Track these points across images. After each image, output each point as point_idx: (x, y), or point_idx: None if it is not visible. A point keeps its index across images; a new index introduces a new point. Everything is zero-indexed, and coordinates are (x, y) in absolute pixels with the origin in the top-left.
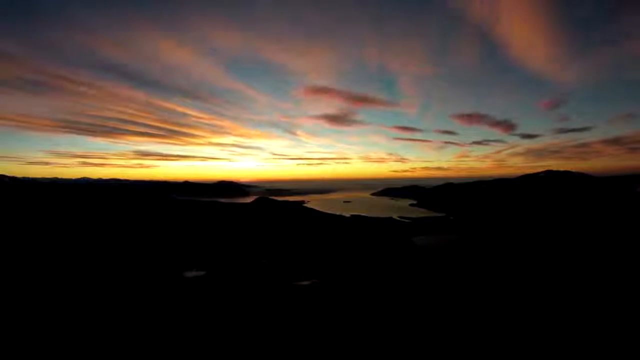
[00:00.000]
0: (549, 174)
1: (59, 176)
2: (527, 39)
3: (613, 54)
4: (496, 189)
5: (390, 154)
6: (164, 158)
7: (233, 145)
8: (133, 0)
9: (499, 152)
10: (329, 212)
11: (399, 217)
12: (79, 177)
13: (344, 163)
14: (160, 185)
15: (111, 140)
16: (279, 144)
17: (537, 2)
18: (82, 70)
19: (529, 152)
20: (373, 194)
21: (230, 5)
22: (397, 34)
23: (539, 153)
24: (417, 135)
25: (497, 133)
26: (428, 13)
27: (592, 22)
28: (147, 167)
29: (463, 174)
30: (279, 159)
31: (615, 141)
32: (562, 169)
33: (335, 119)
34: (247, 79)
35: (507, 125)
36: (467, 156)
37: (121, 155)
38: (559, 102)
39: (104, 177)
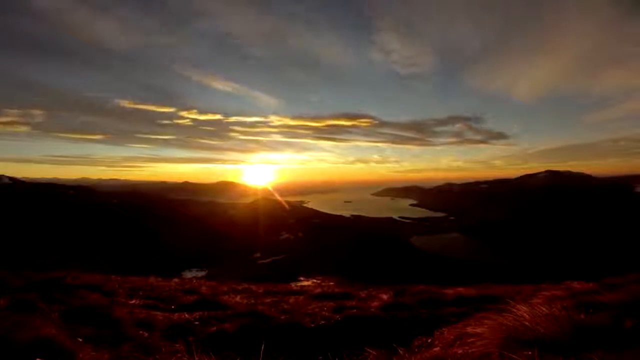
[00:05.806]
0: (549, 173)
1: (59, 177)
2: None
3: None
4: (496, 189)
5: (390, 156)
6: (164, 159)
7: (234, 147)
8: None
9: (496, 153)
10: (329, 212)
11: (399, 217)
12: (79, 177)
13: (343, 165)
14: (159, 186)
15: (112, 142)
16: (279, 145)
17: None
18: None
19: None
20: (373, 194)
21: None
22: None
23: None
24: (415, 137)
25: (494, 134)
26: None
27: None
28: (147, 167)
29: (462, 174)
30: (280, 160)
31: None
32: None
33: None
34: (255, 85)
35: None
36: (465, 158)
37: (122, 157)
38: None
39: (104, 178)
